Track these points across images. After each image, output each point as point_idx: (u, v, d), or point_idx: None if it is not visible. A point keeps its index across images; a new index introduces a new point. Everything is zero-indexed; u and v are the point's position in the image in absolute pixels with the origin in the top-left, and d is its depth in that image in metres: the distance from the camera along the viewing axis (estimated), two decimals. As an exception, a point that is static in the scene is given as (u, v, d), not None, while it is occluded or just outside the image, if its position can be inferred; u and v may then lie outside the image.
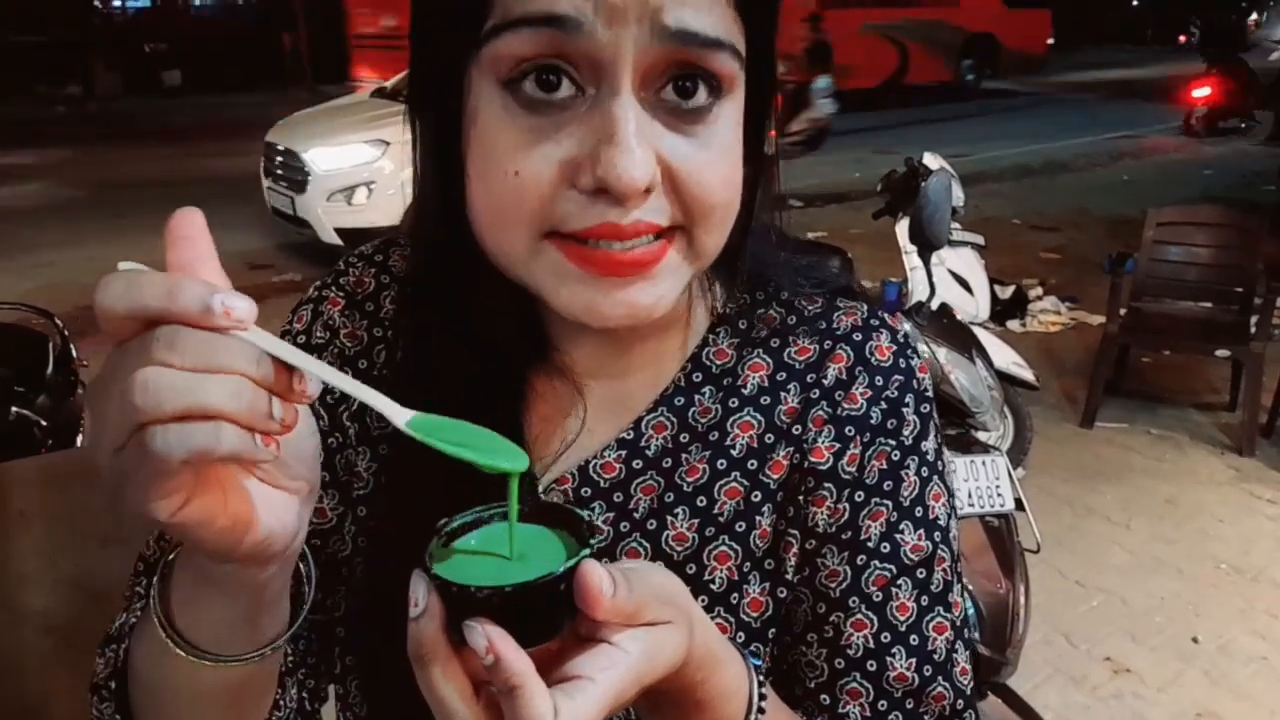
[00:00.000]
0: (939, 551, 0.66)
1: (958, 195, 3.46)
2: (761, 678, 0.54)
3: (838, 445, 0.65)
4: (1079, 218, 7.53)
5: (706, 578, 0.64)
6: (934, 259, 2.98)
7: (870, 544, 0.64)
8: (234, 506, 0.43)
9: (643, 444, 0.65)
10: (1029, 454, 3.44)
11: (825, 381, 0.66)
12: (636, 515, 0.64)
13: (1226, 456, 3.92)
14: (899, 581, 0.64)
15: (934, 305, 1.93)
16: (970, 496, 1.66)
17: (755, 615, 0.65)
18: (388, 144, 5.79)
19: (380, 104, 6.42)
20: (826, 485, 0.65)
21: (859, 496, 0.65)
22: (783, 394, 0.66)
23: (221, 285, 0.40)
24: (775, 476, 0.65)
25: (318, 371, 0.41)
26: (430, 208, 0.59)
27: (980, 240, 3.49)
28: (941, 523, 0.66)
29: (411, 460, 0.58)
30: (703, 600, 0.63)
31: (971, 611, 1.66)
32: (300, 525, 0.47)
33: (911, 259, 2.14)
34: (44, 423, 2.69)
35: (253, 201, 6.55)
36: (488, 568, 0.43)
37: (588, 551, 0.42)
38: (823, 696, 0.65)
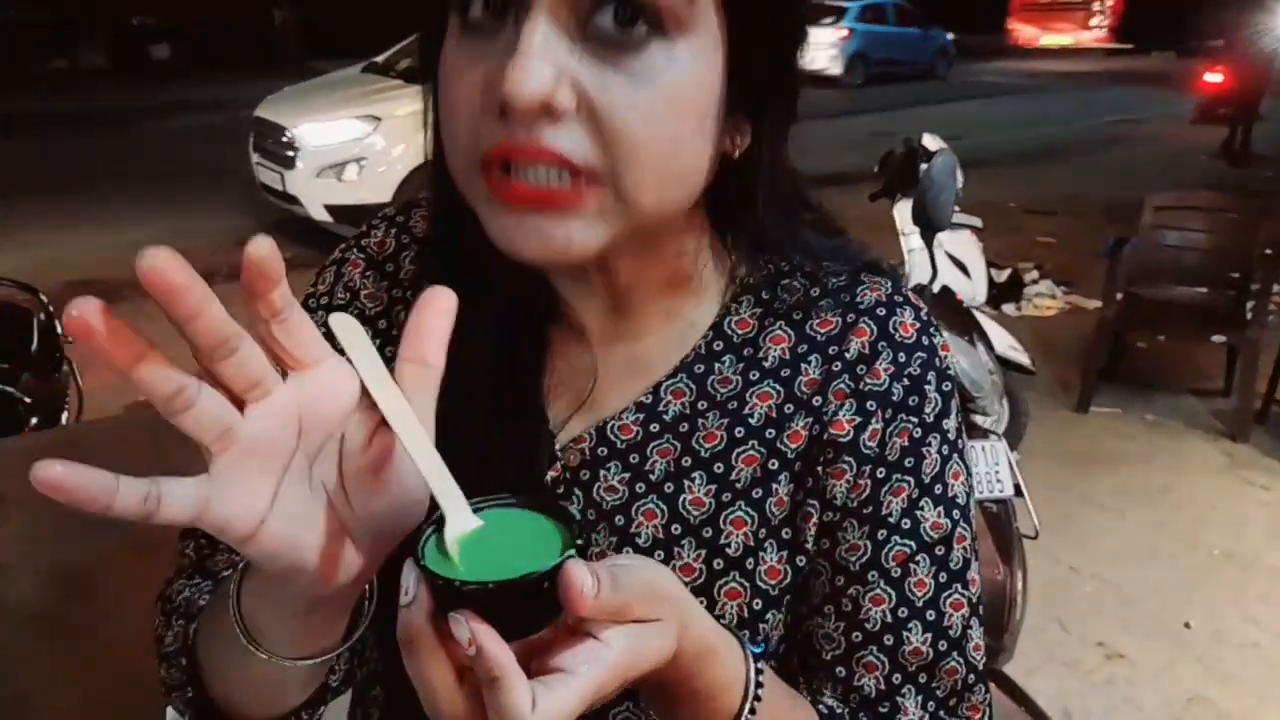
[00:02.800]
0: (958, 529, 0.65)
1: (959, 177, 3.43)
2: (760, 665, 0.54)
3: (859, 419, 0.64)
4: (1077, 203, 7.51)
5: (722, 542, 0.63)
6: (937, 243, 2.96)
7: (891, 519, 0.64)
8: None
9: (661, 408, 0.65)
10: (1024, 439, 3.43)
11: (848, 355, 0.65)
12: (653, 477, 0.64)
13: (1220, 443, 3.92)
14: (918, 558, 0.64)
15: (935, 288, 1.90)
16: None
17: (773, 583, 0.65)
18: (379, 120, 5.71)
19: (371, 79, 6.33)
20: (846, 459, 0.64)
21: (880, 472, 0.64)
22: (804, 365, 0.65)
23: None
24: (794, 446, 0.65)
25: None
26: (434, 164, 0.60)
27: (978, 223, 3.46)
28: (961, 501, 0.66)
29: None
30: (719, 564, 0.63)
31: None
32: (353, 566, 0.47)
33: (911, 241, 2.11)
34: (28, 400, 2.66)
35: (242, 178, 6.48)
36: (477, 560, 0.43)
37: (572, 552, 0.43)
38: (839, 669, 0.65)
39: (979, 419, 1.78)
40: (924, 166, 2.90)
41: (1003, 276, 5.20)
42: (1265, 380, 4.00)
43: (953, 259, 3.32)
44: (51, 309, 2.93)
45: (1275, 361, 3.95)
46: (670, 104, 0.51)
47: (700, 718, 0.52)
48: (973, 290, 3.32)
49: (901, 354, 0.65)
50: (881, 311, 0.66)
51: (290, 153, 5.79)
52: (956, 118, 11.53)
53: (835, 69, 15.16)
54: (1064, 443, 3.83)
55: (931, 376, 0.65)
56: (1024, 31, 26.16)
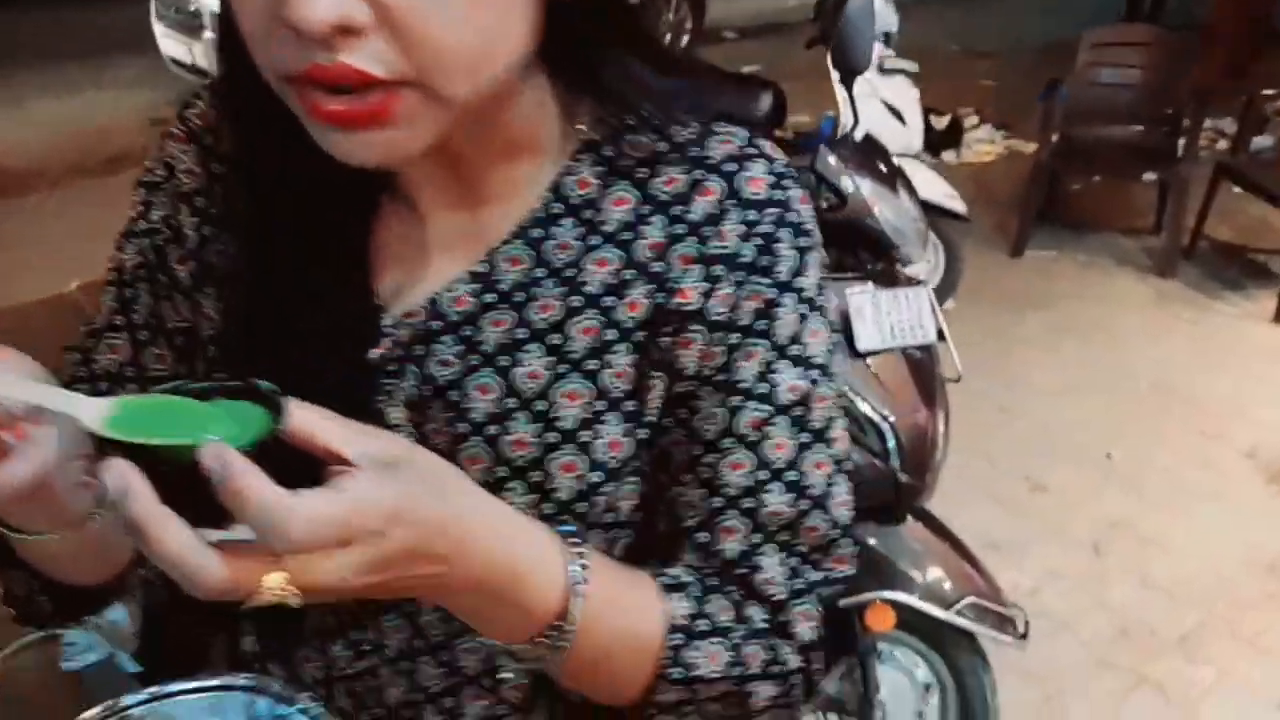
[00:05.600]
0: (818, 389, 0.63)
1: (889, 20, 3.33)
2: (579, 554, 0.54)
3: (706, 285, 0.62)
4: (1016, 42, 7.39)
5: (554, 414, 0.61)
6: (865, 88, 2.89)
7: (745, 385, 0.62)
8: None
9: (495, 277, 0.62)
10: (958, 286, 3.47)
11: (692, 216, 0.62)
12: (487, 349, 0.62)
13: (1150, 279, 4.01)
14: (775, 420, 0.62)
15: (857, 135, 1.87)
16: (892, 330, 1.66)
17: (613, 455, 0.62)
18: (290, -18, 5.38)
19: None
20: (695, 327, 0.62)
21: (734, 338, 0.62)
22: (645, 228, 0.62)
23: None
24: (633, 315, 0.62)
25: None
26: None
27: (914, 68, 3.39)
28: (819, 360, 0.64)
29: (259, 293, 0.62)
30: (553, 438, 0.61)
31: (892, 443, 1.69)
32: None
33: (839, 89, 2.06)
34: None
35: (148, 52, 6.12)
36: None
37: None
38: (699, 535, 0.64)
39: (904, 268, 1.78)
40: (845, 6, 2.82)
41: (942, 123, 5.14)
42: (1194, 216, 4.06)
43: (888, 107, 3.26)
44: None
45: (1204, 197, 4.00)
46: (465, 4, 0.49)
47: (524, 624, 0.53)
48: (907, 138, 3.28)
49: (751, 211, 0.62)
50: (730, 167, 0.62)
51: (195, 22, 5.45)
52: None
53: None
54: (1000, 287, 3.89)
55: (784, 234, 0.62)
56: None
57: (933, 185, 3.13)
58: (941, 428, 1.78)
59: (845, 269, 1.76)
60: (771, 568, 0.63)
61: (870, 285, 1.67)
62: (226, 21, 0.54)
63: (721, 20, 7.59)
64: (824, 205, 1.71)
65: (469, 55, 0.51)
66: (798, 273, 0.63)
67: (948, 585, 1.75)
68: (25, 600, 0.66)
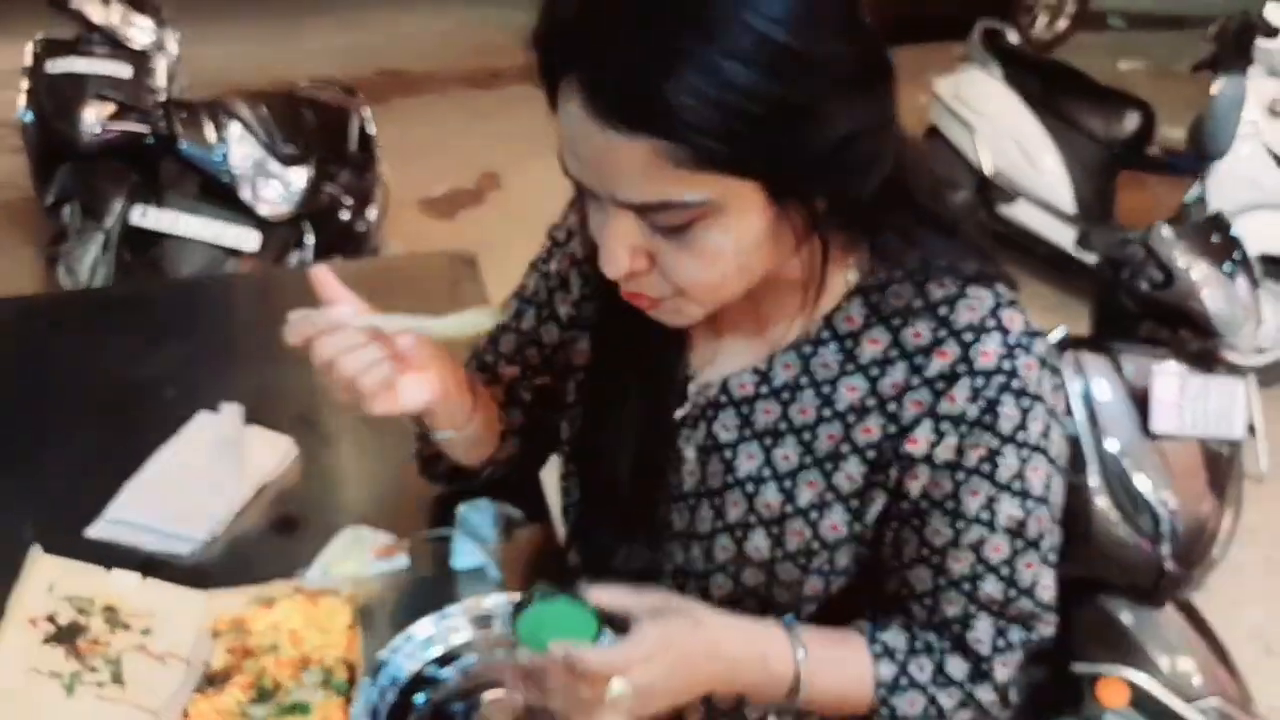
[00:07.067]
0: (1034, 514, 0.76)
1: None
2: (798, 636, 0.78)
3: (934, 438, 0.75)
4: None
5: (794, 491, 0.80)
6: (1249, 129, 2.66)
7: (968, 514, 0.76)
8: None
9: (770, 375, 0.81)
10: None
11: (929, 371, 0.75)
12: (757, 428, 0.82)
13: None
14: (994, 537, 0.77)
15: (1208, 212, 1.77)
16: (1194, 419, 1.61)
17: (833, 536, 0.80)
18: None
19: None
20: (922, 468, 0.76)
21: (960, 475, 0.76)
22: (890, 368, 0.76)
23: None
24: (865, 438, 0.77)
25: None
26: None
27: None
28: (1037, 492, 0.76)
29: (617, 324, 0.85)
30: (789, 509, 0.80)
31: (1166, 528, 1.66)
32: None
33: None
34: (349, 199, 3.03)
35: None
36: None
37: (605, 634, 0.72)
38: (925, 600, 0.81)
39: (1229, 354, 1.71)
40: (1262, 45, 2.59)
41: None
42: None
43: (1271, 153, 2.93)
44: (366, 110, 3.25)
45: None
46: (713, 258, 0.68)
47: (773, 688, 0.77)
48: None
49: (980, 379, 0.73)
50: (969, 337, 0.74)
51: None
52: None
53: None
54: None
55: (1007, 398, 0.73)
56: None
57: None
58: (1227, 524, 1.71)
59: (1160, 342, 1.72)
60: (982, 629, 0.80)
61: (1181, 367, 1.63)
62: None
63: (1111, 5, 6.89)
64: (1146, 286, 1.68)
65: (714, 289, 0.71)
66: (1020, 427, 0.74)
67: (1195, 680, 1.70)
68: (429, 461, 1.03)
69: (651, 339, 0.82)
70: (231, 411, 1.17)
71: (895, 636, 0.82)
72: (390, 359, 0.78)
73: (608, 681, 0.68)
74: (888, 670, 0.80)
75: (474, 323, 0.81)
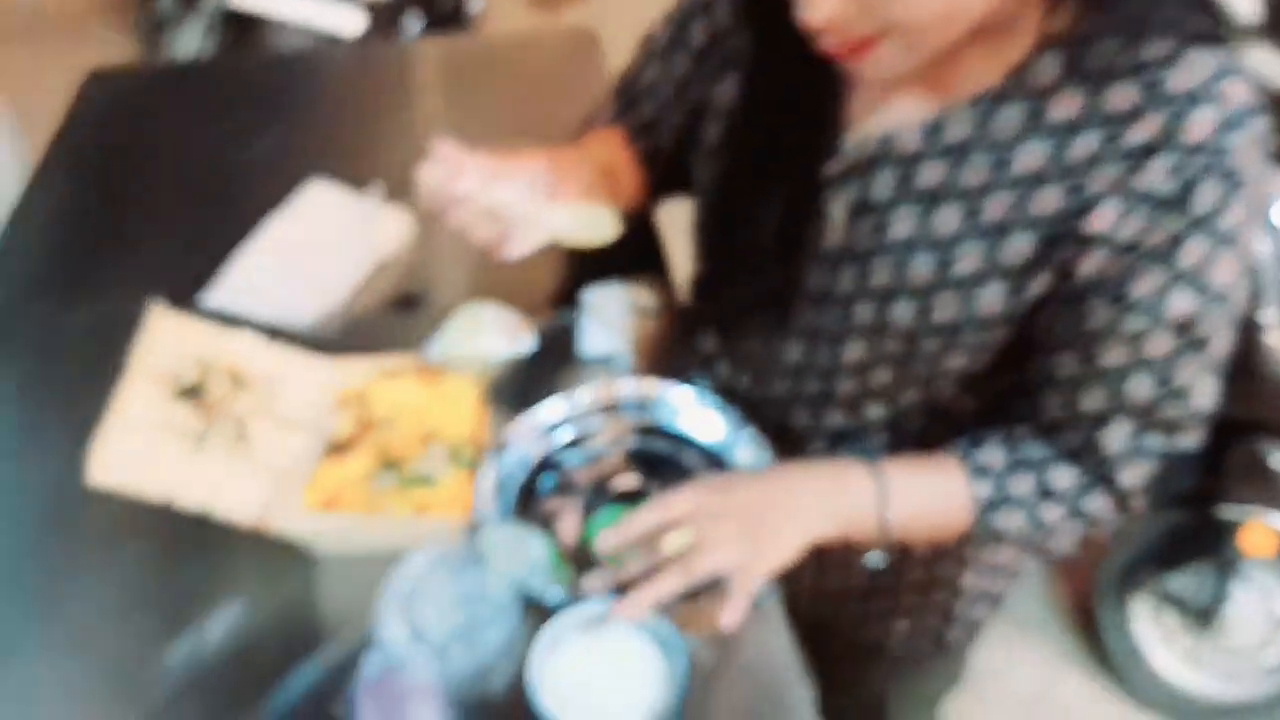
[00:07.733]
0: (1211, 311, 0.66)
1: None
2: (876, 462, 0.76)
3: (1119, 218, 0.65)
4: None
5: (951, 261, 0.71)
6: None
7: (1132, 300, 0.67)
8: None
9: (941, 133, 0.71)
10: None
11: (1125, 142, 0.64)
12: (917, 189, 0.72)
13: None
14: (1157, 330, 0.67)
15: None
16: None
17: (988, 314, 0.72)
18: None
19: None
20: (1101, 249, 0.66)
21: (1132, 258, 0.66)
22: (1082, 136, 0.65)
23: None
24: (1041, 210, 0.67)
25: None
26: None
27: None
28: (1218, 288, 0.65)
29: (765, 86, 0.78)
30: (943, 278, 0.72)
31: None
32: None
33: None
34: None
35: None
36: None
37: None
38: (1065, 390, 0.73)
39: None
40: None
41: None
42: None
43: None
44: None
45: None
46: None
47: (862, 518, 0.76)
48: None
49: (1184, 155, 0.62)
50: (1179, 106, 0.62)
51: None
52: None
53: None
54: None
55: (1209, 179, 0.62)
56: None
57: None
58: None
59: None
60: (1116, 430, 0.72)
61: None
62: None
63: None
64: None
65: (935, 28, 0.60)
66: (1216, 212, 0.63)
67: (1353, 535, 1.60)
68: None
69: (808, 83, 0.74)
70: (361, 194, 1.11)
71: (992, 453, 0.78)
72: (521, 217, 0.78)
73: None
74: (984, 489, 0.76)
75: (595, 225, 0.80)
